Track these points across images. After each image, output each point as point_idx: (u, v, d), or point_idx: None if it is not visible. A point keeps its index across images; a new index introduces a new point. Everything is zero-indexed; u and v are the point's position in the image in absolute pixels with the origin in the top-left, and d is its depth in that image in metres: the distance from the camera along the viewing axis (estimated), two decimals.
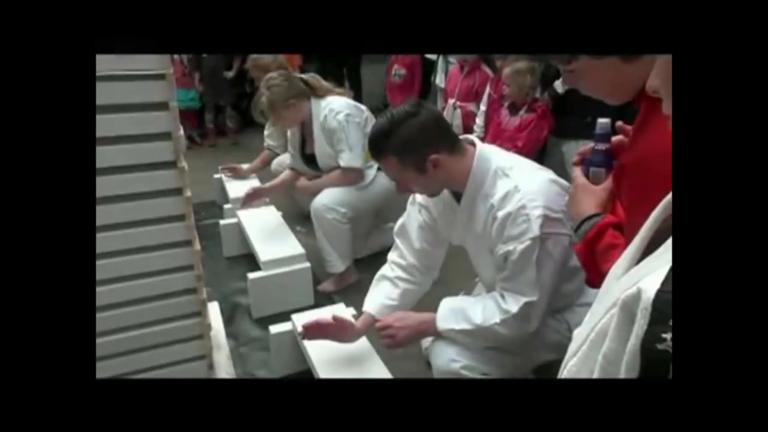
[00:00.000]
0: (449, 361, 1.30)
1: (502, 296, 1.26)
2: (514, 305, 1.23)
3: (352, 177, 2.32)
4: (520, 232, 1.18)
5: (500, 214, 1.21)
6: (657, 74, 0.50)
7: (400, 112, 1.26)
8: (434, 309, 1.39)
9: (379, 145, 1.29)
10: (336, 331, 1.47)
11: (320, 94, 2.37)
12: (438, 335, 1.35)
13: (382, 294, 1.52)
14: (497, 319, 1.24)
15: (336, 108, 2.29)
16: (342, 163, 2.30)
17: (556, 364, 1.44)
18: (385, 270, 1.56)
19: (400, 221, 1.55)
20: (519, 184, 1.20)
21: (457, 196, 1.34)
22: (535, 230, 1.17)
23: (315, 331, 1.48)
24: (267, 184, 2.61)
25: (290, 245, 2.26)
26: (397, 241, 1.55)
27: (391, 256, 1.57)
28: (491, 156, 1.29)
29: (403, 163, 1.27)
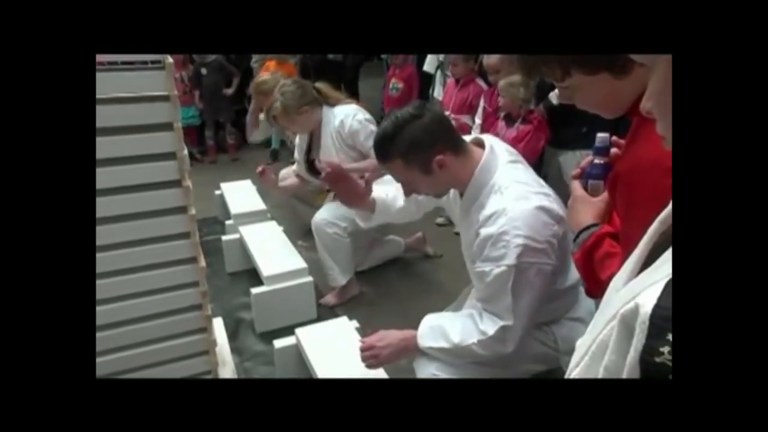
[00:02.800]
0: (431, 375, 1.32)
1: (481, 316, 1.27)
2: (491, 327, 1.23)
3: None
4: (498, 256, 1.18)
5: (483, 232, 1.21)
6: (650, 96, 0.51)
7: (405, 115, 1.26)
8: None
9: (384, 147, 1.29)
10: (351, 186, 1.56)
11: (332, 103, 2.42)
12: (419, 352, 1.36)
13: (384, 191, 1.61)
14: (474, 340, 1.25)
15: (352, 112, 2.36)
16: None
17: (554, 373, 1.45)
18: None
19: None
20: (507, 208, 1.19)
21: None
22: (511, 258, 1.16)
23: (337, 176, 1.57)
24: (280, 184, 2.66)
25: (292, 260, 2.28)
26: None
27: None
28: (495, 168, 1.28)
29: (408, 164, 1.27)
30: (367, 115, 2.40)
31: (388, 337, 1.39)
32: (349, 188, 1.57)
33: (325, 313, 2.25)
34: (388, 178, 1.51)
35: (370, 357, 1.38)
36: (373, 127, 2.37)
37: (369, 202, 1.59)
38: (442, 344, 1.30)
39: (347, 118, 2.33)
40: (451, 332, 1.29)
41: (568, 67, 0.85)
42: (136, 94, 1.13)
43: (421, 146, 1.25)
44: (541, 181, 1.33)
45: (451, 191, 1.42)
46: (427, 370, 1.33)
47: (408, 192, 1.38)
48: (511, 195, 1.21)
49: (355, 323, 1.80)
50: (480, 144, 1.34)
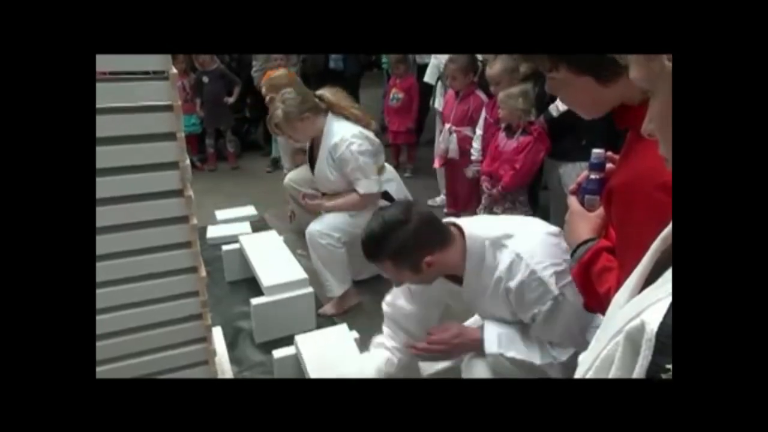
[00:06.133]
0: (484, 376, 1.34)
1: (551, 344, 1.31)
2: (563, 354, 1.29)
3: (370, 200, 2.33)
4: (539, 295, 1.22)
5: (512, 284, 1.24)
6: (652, 118, 0.51)
7: (392, 219, 1.29)
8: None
9: (373, 249, 1.32)
10: None
11: (337, 111, 2.40)
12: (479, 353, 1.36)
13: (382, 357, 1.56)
14: (547, 362, 1.30)
15: (349, 138, 2.30)
16: (361, 191, 2.32)
17: None
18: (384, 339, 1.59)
19: (388, 297, 1.59)
20: (520, 251, 1.24)
21: (455, 278, 1.36)
22: (553, 290, 1.21)
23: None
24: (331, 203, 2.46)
25: (292, 270, 2.28)
26: (387, 318, 1.58)
27: (386, 330, 1.60)
28: (480, 232, 1.30)
29: (398, 266, 1.31)
30: (365, 145, 2.32)
31: (463, 334, 1.38)
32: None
33: (324, 323, 2.24)
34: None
35: (440, 351, 1.37)
36: (364, 160, 2.29)
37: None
38: (522, 357, 1.30)
39: (342, 144, 2.29)
40: (531, 352, 1.30)
41: (556, 62, 0.88)
42: (139, 104, 1.14)
43: (409, 250, 1.27)
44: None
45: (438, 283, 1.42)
46: (477, 370, 1.35)
47: (398, 284, 1.42)
48: (514, 241, 1.26)
49: (354, 333, 1.79)
50: (457, 226, 1.35)
